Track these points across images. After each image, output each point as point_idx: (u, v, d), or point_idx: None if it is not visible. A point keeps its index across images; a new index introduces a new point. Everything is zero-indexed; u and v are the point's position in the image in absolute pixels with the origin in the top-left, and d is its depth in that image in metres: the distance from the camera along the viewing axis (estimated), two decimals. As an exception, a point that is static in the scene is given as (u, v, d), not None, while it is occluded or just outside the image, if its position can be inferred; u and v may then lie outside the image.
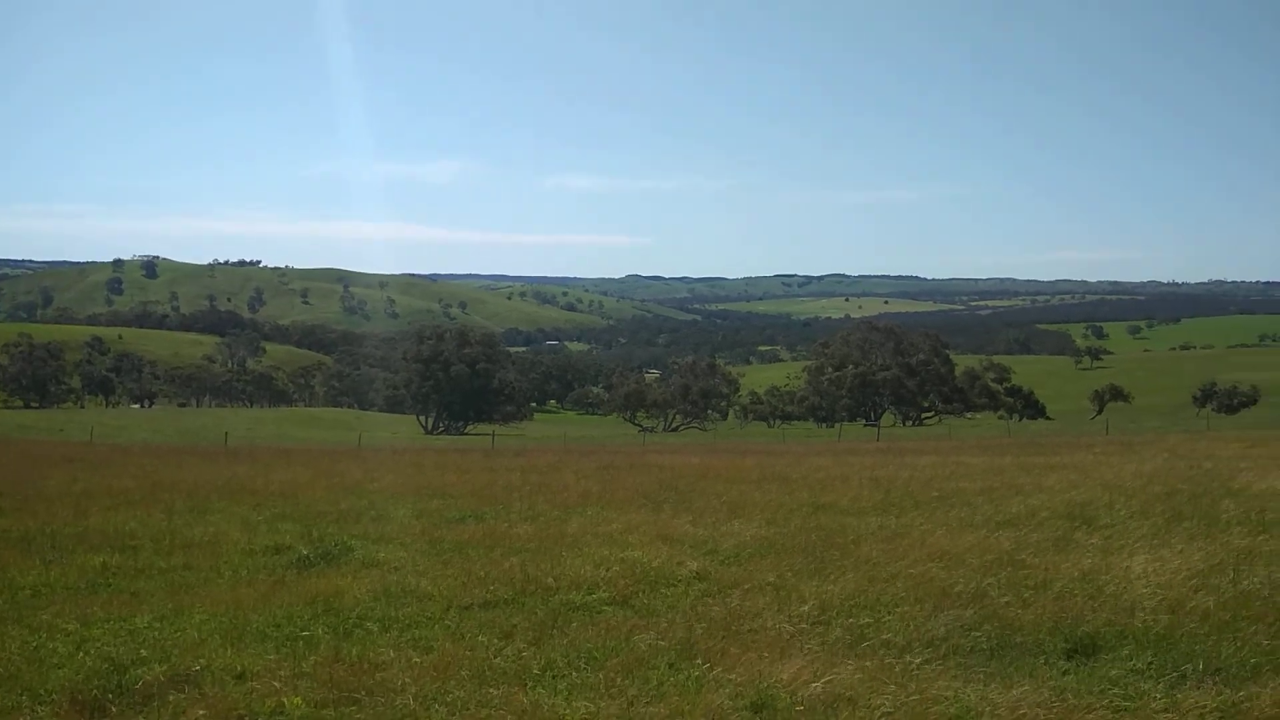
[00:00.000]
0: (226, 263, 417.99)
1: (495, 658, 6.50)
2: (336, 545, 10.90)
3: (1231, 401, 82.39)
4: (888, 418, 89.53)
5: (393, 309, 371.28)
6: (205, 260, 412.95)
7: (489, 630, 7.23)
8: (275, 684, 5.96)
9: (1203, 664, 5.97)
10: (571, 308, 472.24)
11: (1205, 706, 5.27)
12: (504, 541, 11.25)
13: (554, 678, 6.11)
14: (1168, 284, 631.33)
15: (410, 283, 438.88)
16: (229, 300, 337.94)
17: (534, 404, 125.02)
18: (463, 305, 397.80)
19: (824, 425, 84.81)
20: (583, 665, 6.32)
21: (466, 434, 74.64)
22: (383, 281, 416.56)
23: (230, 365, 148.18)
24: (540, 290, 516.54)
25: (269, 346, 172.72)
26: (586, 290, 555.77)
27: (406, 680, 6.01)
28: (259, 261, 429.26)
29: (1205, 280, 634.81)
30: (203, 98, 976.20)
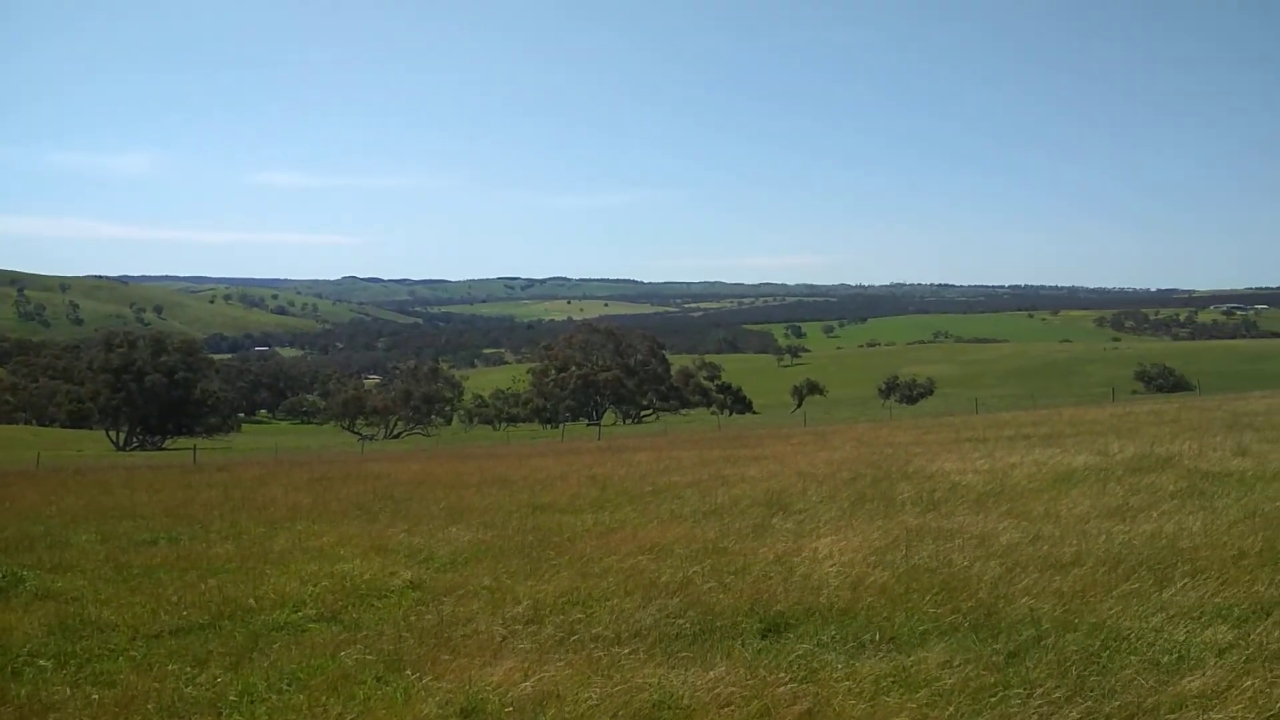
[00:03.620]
0: None
1: (187, 687, 6.07)
2: (5, 576, 9.73)
3: (911, 393, 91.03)
4: (609, 417, 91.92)
5: (77, 314, 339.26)
6: None
7: (180, 658, 6.74)
8: (-80, 738, 5.26)
9: (879, 634, 6.48)
10: (283, 311, 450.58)
11: (880, 672, 5.73)
12: (201, 563, 10.50)
13: (252, 703, 5.78)
14: (856, 286, 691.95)
15: (97, 285, 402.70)
16: None
17: (242, 415, 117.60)
18: (158, 309, 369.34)
19: (549, 426, 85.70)
20: (285, 687, 6.02)
21: (165, 449, 69.04)
22: (64, 284, 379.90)
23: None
24: (247, 293, 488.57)
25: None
26: (299, 293, 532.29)
27: (84, 719, 5.50)
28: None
29: (887, 283, 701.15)
30: None
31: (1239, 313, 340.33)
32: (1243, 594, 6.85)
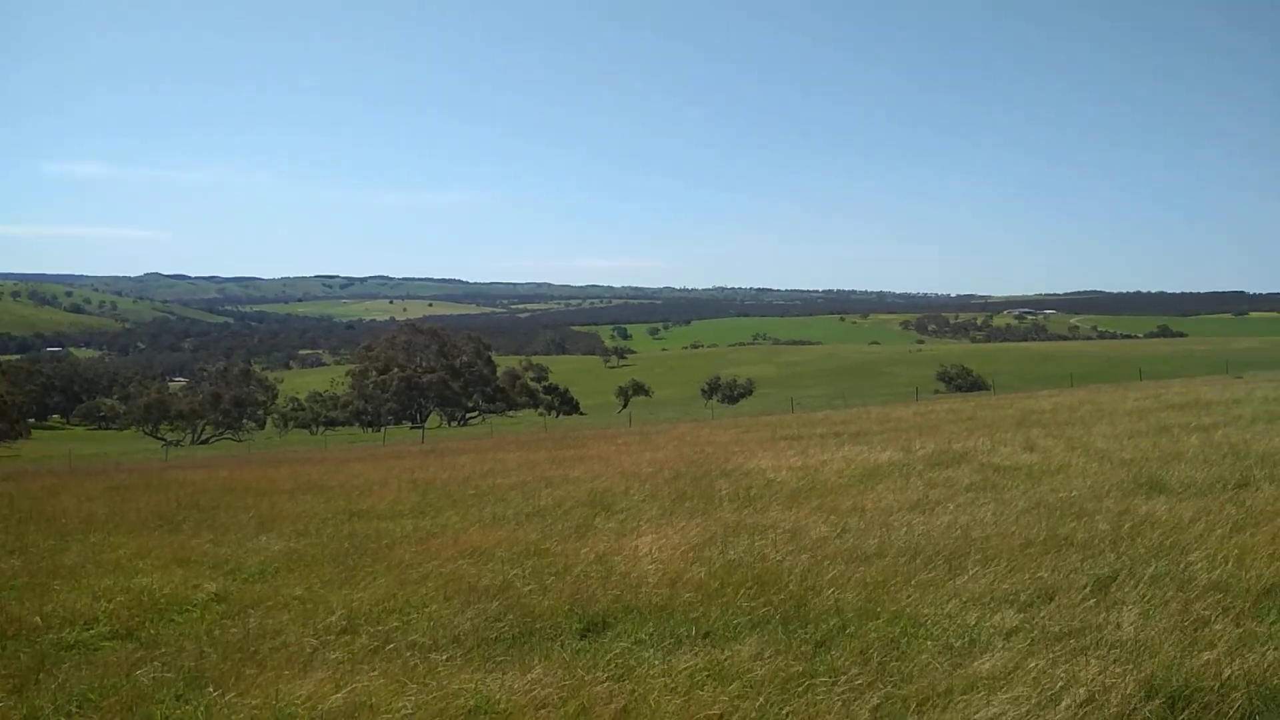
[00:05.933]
0: None
1: (-37, 715, 5.62)
2: None
3: (732, 393, 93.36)
4: (434, 419, 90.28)
5: None
6: None
7: (-43, 684, 6.22)
8: None
9: (695, 629, 6.60)
10: (78, 309, 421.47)
11: (695, 666, 5.83)
12: (-20, 581, 9.70)
13: (38, 728, 5.39)
14: (680, 290, 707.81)
15: None
16: None
17: (32, 420, 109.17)
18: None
19: (370, 430, 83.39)
20: (74, 710, 5.66)
21: (-59, 458, 63.34)
22: None
23: None
24: (38, 289, 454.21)
25: None
26: (96, 289, 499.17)
27: None
28: None
29: (710, 286, 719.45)
30: None
31: (1029, 317, 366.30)
32: (1028, 579, 7.32)
